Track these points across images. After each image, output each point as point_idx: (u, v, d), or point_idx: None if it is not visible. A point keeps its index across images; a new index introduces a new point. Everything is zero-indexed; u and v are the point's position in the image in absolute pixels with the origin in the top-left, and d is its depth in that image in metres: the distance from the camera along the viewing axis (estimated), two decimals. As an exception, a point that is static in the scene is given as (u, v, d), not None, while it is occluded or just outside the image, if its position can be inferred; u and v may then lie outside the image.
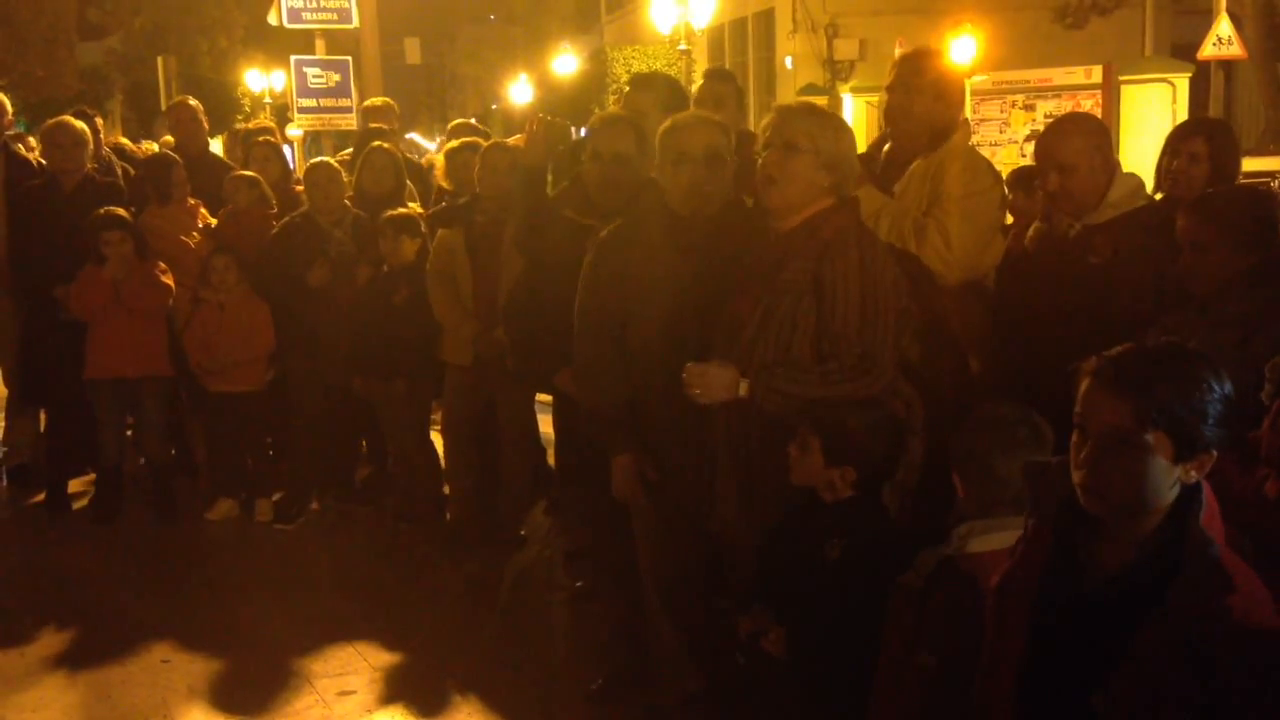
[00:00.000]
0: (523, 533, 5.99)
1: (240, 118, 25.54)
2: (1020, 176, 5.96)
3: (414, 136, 40.18)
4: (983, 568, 2.61)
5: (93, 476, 6.71)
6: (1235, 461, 2.78)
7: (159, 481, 6.55)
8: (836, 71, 22.19)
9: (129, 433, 6.80)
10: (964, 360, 3.82)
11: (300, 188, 6.86)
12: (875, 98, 15.02)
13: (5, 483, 7.13)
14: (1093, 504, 2.10)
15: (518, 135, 6.04)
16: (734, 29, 26.20)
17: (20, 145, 7.33)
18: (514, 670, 4.66)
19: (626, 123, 4.23)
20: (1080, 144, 3.84)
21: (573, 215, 4.32)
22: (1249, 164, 7.94)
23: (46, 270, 6.45)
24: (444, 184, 6.28)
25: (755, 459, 3.44)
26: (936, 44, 9.34)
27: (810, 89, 20.25)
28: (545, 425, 5.96)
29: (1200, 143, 4.34)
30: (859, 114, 16.30)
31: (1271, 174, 10.28)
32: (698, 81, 5.86)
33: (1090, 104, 13.35)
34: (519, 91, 36.33)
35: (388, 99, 9.15)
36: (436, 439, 6.27)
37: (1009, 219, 4.80)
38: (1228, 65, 16.78)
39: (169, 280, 6.29)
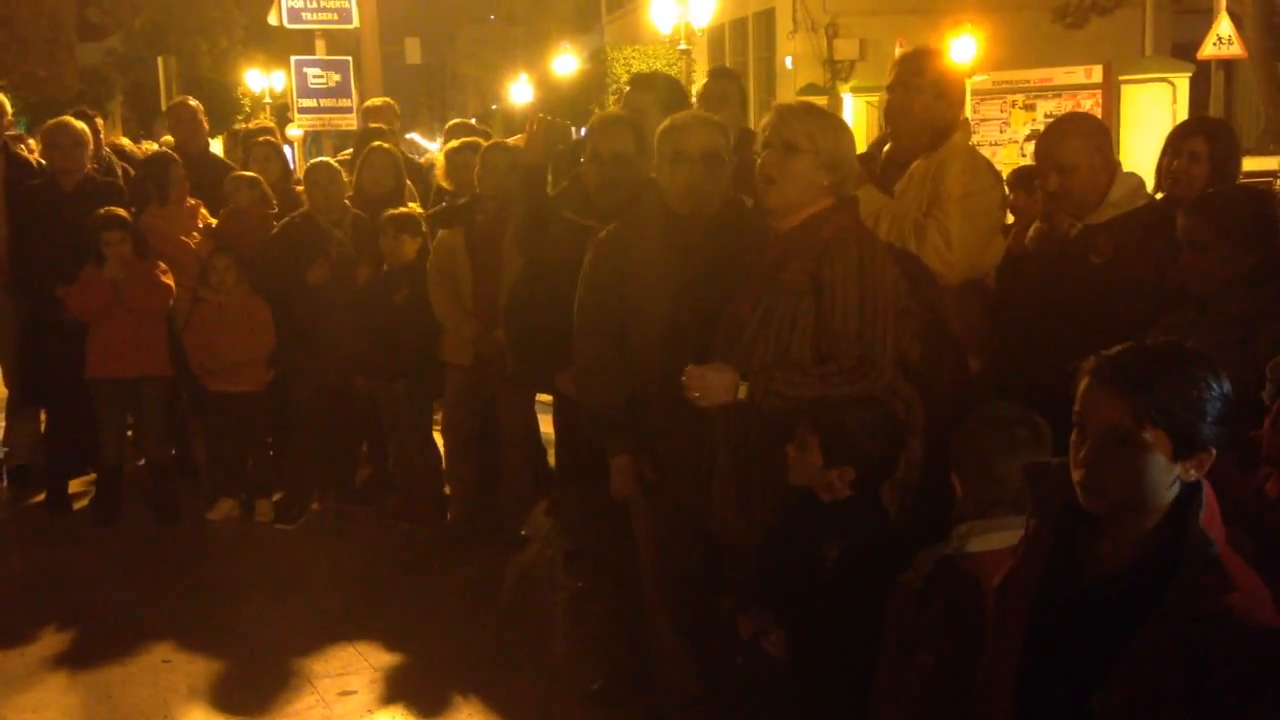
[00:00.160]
0: (523, 533, 5.99)
1: (240, 118, 25.56)
2: (1020, 176, 5.97)
3: (414, 136, 40.25)
4: (982, 567, 2.62)
5: (93, 477, 6.70)
6: (1235, 461, 2.77)
7: (159, 482, 6.55)
8: (836, 71, 22.19)
9: (129, 433, 6.81)
10: (964, 360, 3.81)
11: (300, 188, 6.86)
12: (875, 98, 15.06)
13: (5, 483, 7.12)
14: (1092, 503, 2.10)
15: (518, 135, 6.04)
16: (734, 29, 26.20)
17: (20, 145, 7.33)
18: (514, 670, 4.66)
19: (626, 123, 4.23)
20: (1080, 144, 3.84)
21: (572, 215, 4.32)
22: (1249, 164, 7.92)
23: (46, 270, 6.44)
24: (444, 184, 6.28)
25: (754, 459, 3.43)
26: (937, 44, 9.33)
27: (810, 89, 20.26)
28: (545, 425, 5.96)
29: (1200, 142, 4.33)
30: (859, 114, 16.34)
31: (1272, 173, 10.26)
32: (698, 81, 5.89)
33: (1090, 104, 13.37)
34: (519, 91, 36.34)
35: (388, 99, 9.17)
36: (437, 439, 6.28)
37: (1009, 219, 4.80)
38: (1228, 65, 16.76)
39: (169, 280, 6.29)
